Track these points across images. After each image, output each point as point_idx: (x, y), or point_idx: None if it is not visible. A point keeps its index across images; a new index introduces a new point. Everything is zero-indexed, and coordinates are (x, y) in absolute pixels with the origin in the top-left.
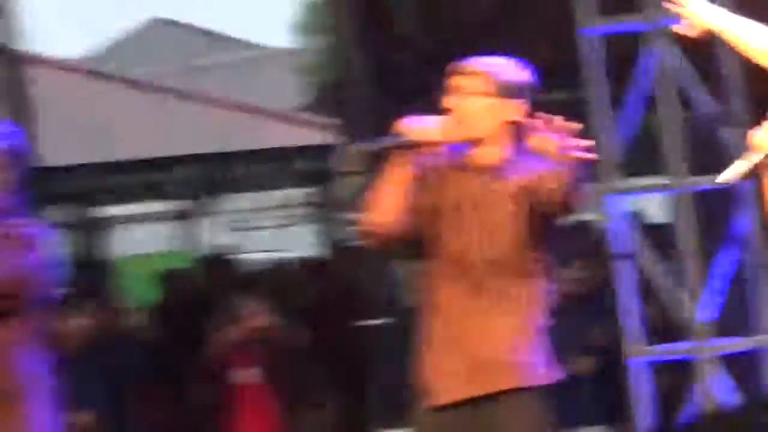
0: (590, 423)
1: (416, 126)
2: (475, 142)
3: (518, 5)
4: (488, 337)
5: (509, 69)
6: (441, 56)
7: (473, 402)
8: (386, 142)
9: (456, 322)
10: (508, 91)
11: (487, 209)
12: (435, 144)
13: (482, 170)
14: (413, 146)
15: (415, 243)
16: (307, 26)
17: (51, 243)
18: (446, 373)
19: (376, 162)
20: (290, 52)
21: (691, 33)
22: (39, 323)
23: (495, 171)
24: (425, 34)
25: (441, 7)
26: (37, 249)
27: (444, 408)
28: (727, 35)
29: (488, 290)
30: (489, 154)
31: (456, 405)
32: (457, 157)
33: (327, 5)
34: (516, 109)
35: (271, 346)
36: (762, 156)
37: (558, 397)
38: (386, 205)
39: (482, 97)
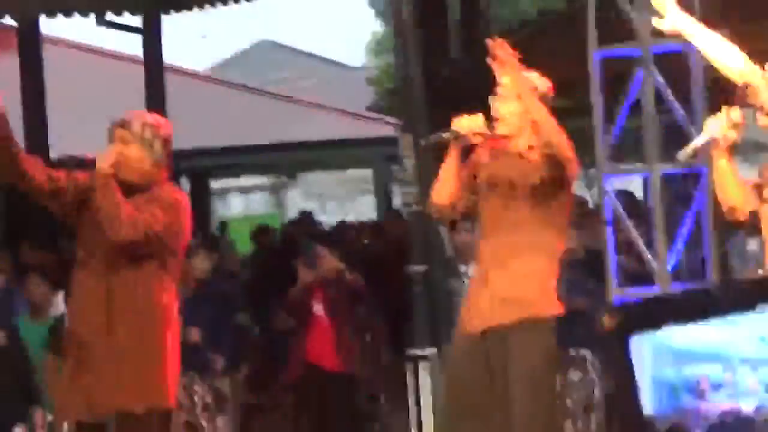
0: (583, 347)
1: (464, 123)
2: (509, 135)
3: (537, 38)
4: (508, 280)
5: (534, 80)
6: (478, 72)
7: (495, 330)
8: (441, 136)
9: (486, 268)
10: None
11: (515, 185)
12: (477, 137)
13: (514, 155)
14: (461, 138)
15: (468, 212)
16: (378, 49)
17: (186, 205)
18: (476, 308)
19: (430, 151)
20: (364, 68)
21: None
22: (174, 264)
23: (523, 155)
24: (466, 55)
25: (480, 35)
26: (177, 209)
27: (473, 335)
28: (695, 42)
29: (511, 244)
30: (519, 143)
31: (482, 333)
32: (496, 146)
33: (394, 34)
34: (539, 109)
35: (338, 287)
36: (709, 137)
37: (560, 326)
38: (445, 186)
39: (516, 100)
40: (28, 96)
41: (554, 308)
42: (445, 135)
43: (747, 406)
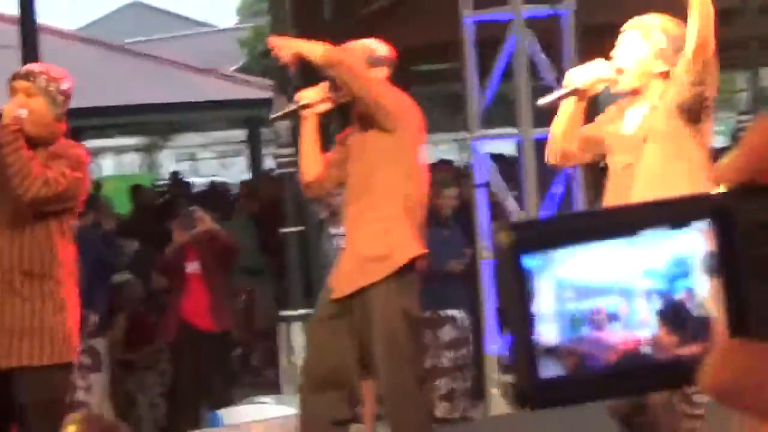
0: (455, 307)
1: (309, 94)
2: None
3: (411, 1)
4: (368, 238)
5: (374, 47)
6: (350, 35)
7: (360, 292)
8: (288, 109)
9: (349, 233)
10: (374, 62)
11: (362, 152)
12: (323, 104)
13: (356, 124)
14: (305, 107)
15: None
16: (247, 11)
17: (87, 161)
18: (342, 272)
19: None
20: (235, 30)
21: None
22: (74, 219)
23: (361, 122)
24: (340, 17)
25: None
26: (80, 166)
27: (339, 300)
28: None
29: (368, 202)
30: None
31: (347, 297)
32: (349, 116)
33: None
34: (379, 75)
35: (212, 247)
36: (575, 87)
37: (433, 286)
38: (310, 164)
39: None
40: None
41: (413, 250)
42: (292, 107)
43: (643, 336)
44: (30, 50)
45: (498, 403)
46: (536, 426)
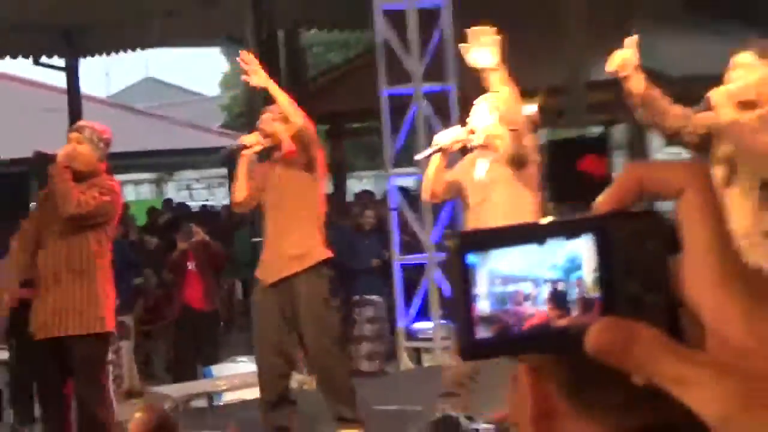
0: (375, 293)
1: (248, 138)
2: (277, 146)
3: (343, 79)
4: (290, 242)
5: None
6: (304, 100)
7: (284, 281)
8: (232, 147)
9: (272, 233)
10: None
11: (282, 181)
12: (258, 146)
13: (279, 161)
14: (244, 148)
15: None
16: (227, 84)
17: (119, 190)
18: (269, 265)
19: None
20: (217, 97)
21: None
22: (110, 230)
23: (285, 161)
24: (295, 88)
25: (305, 69)
26: (111, 193)
27: (269, 287)
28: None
29: (285, 218)
30: (285, 146)
31: (274, 285)
32: (271, 154)
33: (242, 75)
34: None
35: (205, 252)
36: (440, 146)
37: (359, 278)
38: (240, 188)
39: (279, 121)
40: None
41: (325, 254)
42: (234, 146)
43: (546, 311)
44: (75, 111)
45: (406, 362)
46: (429, 377)
